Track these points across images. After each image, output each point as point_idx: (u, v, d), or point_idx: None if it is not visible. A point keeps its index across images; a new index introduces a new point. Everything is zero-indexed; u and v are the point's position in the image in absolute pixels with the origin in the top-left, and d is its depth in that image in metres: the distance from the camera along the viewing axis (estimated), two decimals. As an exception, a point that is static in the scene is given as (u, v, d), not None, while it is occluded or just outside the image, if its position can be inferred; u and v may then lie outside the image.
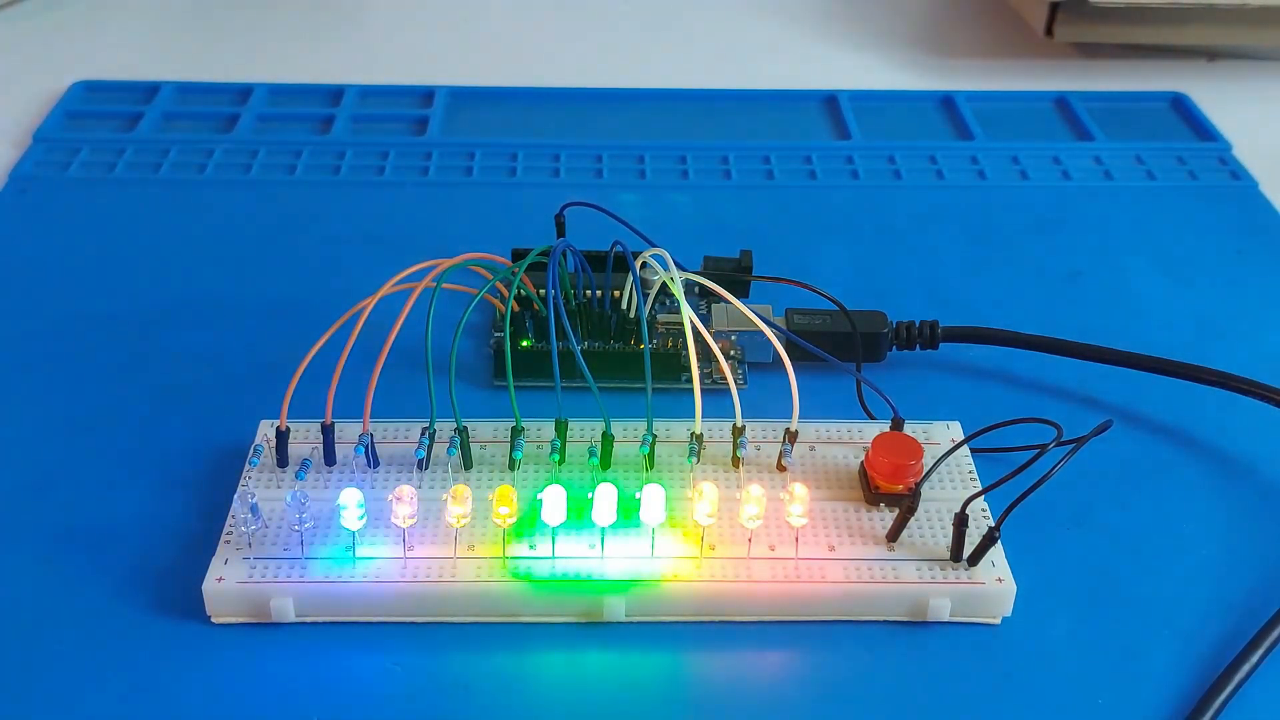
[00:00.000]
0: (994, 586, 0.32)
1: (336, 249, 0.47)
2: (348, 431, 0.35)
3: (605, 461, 0.35)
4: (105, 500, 0.35)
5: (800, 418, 0.35)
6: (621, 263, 0.38)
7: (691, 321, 0.34)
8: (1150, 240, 0.48)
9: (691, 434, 0.35)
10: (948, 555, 0.33)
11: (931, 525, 0.34)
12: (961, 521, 0.32)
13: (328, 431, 0.35)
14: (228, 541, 0.32)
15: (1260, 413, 0.38)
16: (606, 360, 0.39)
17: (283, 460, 0.35)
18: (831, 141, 0.55)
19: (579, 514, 0.33)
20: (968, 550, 0.32)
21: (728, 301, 0.36)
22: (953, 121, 0.57)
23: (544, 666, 0.31)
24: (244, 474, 0.34)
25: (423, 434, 0.35)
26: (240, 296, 0.44)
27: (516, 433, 0.35)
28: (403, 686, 0.31)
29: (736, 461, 0.35)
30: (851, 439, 0.36)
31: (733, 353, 0.40)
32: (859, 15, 0.67)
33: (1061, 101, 0.58)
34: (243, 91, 0.57)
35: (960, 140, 0.55)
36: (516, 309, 0.40)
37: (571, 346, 0.34)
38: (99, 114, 0.55)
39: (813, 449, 0.36)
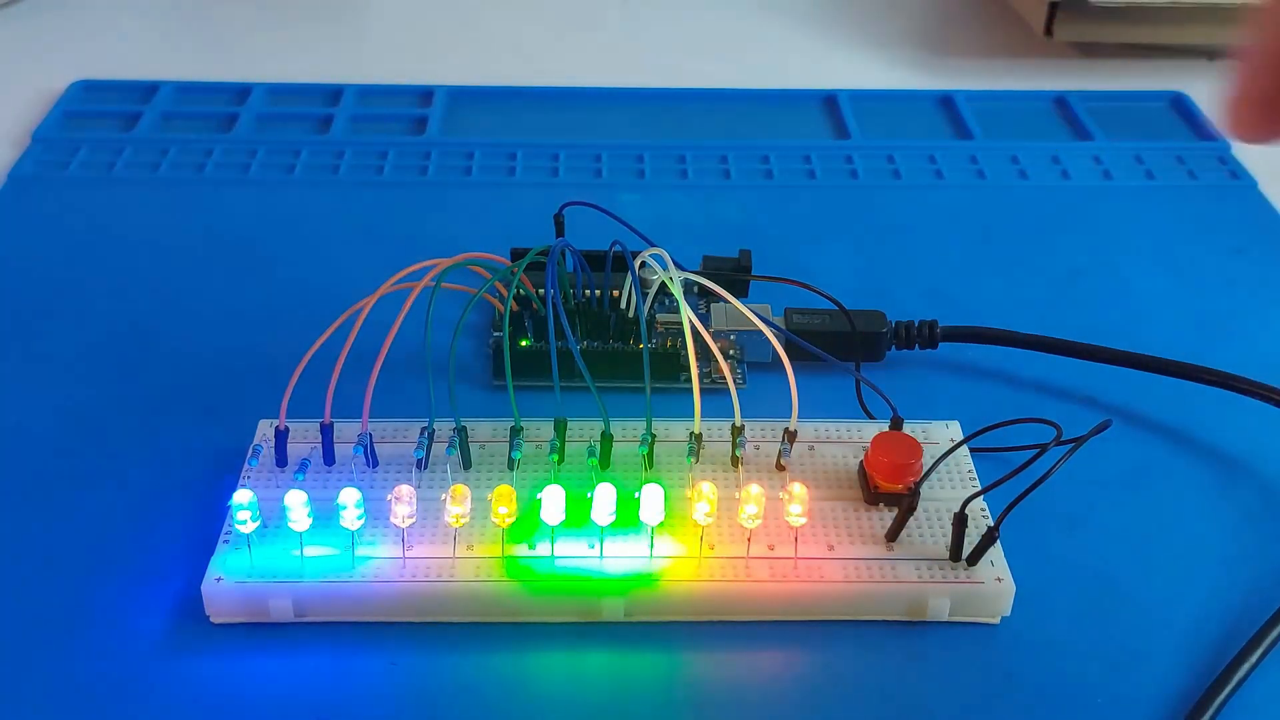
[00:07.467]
0: (993, 586, 0.32)
1: (336, 249, 0.47)
2: (347, 431, 0.35)
3: (604, 461, 0.35)
4: (104, 500, 0.35)
5: (800, 417, 0.35)
6: (620, 262, 0.38)
7: (690, 321, 0.34)
8: (1150, 240, 0.48)
9: (691, 434, 0.35)
10: (947, 555, 0.33)
11: (931, 525, 0.34)
12: (961, 521, 0.32)
13: (327, 431, 0.35)
14: (227, 541, 0.32)
15: (1260, 413, 0.38)
16: (606, 360, 0.39)
17: (282, 460, 0.35)
18: (831, 141, 0.55)
19: (578, 513, 0.33)
20: (967, 550, 0.32)
21: (727, 301, 0.36)
22: (952, 121, 0.57)
23: (544, 666, 0.31)
24: (243, 474, 0.34)
25: (422, 434, 0.35)
26: (240, 296, 0.44)
27: (515, 432, 0.35)
28: (403, 686, 0.31)
29: (736, 461, 0.35)
30: (851, 439, 0.36)
31: (732, 352, 0.40)
32: (859, 15, 0.67)
33: (1061, 101, 0.58)
34: (241, 91, 0.57)
35: (959, 140, 0.55)
36: (515, 309, 0.40)
37: (570, 346, 0.34)
38: (98, 113, 0.55)
39: (812, 448, 0.36)
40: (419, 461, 0.34)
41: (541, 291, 0.37)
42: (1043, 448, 0.32)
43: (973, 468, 0.35)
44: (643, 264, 0.38)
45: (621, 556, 0.32)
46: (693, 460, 0.35)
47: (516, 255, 0.41)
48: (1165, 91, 0.59)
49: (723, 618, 0.32)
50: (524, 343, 0.40)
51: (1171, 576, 0.34)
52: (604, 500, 0.32)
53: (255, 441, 0.35)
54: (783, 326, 0.40)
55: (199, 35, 0.64)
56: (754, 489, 0.32)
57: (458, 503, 0.32)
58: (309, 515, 0.32)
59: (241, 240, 0.47)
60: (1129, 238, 0.49)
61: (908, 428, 0.36)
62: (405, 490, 0.32)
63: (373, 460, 0.35)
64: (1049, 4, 0.59)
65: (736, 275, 0.42)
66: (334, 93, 0.57)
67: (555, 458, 0.35)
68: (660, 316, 0.41)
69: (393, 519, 0.32)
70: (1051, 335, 0.41)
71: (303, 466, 0.34)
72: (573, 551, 0.32)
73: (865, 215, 0.50)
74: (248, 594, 0.31)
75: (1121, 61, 0.62)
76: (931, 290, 0.45)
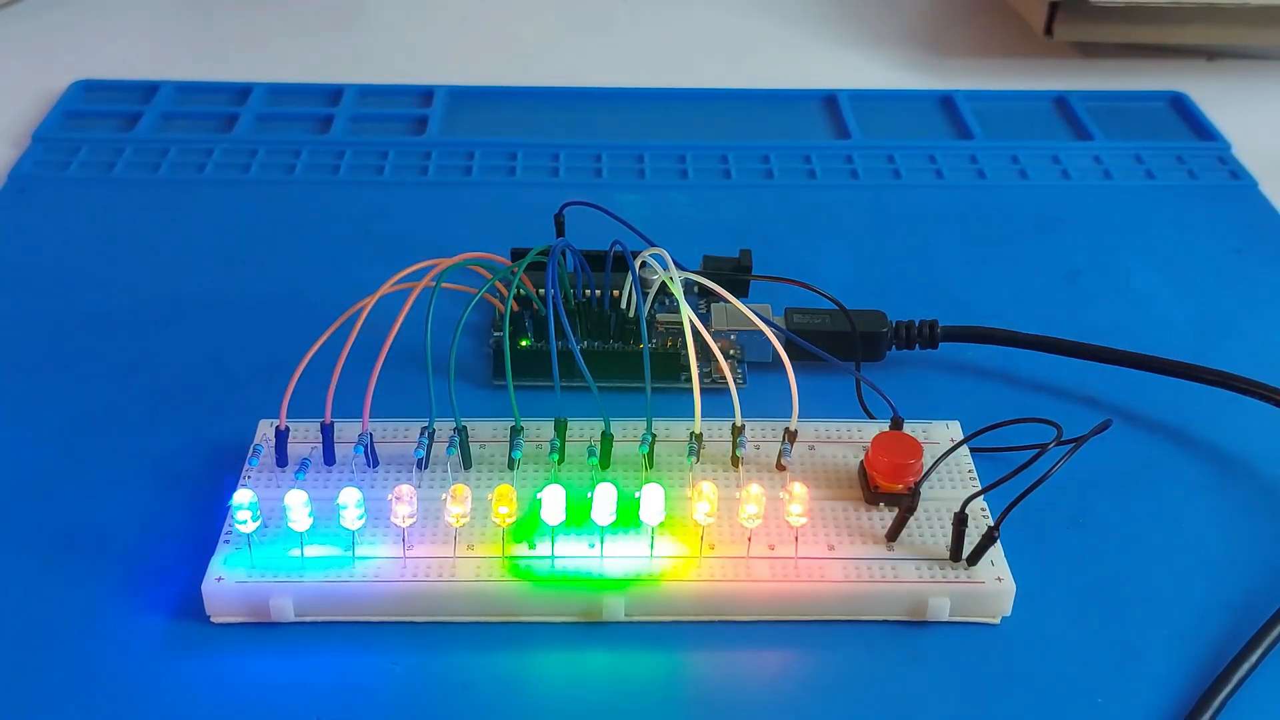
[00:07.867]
0: (993, 586, 0.32)
1: (336, 249, 0.47)
2: (347, 431, 0.35)
3: (605, 461, 0.35)
4: (104, 500, 0.35)
5: (800, 417, 0.35)
6: (621, 262, 0.38)
7: (691, 321, 0.34)
8: (1150, 240, 0.48)
9: (691, 433, 0.35)
10: (947, 555, 0.33)
11: (931, 525, 0.34)
12: (961, 521, 0.32)
13: (327, 431, 0.35)
14: (227, 541, 0.32)
15: (1260, 413, 0.38)
16: (606, 360, 0.39)
17: (282, 460, 0.35)
18: (831, 141, 0.55)
19: (579, 514, 0.33)
20: (967, 550, 0.32)
21: (727, 301, 0.36)
22: (952, 121, 0.57)
23: (544, 666, 0.31)
24: (243, 473, 0.34)
25: (422, 433, 0.35)
26: (240, 296, 0.44)
27: (516, 432, 0.35)
28: (403, 686, 0.31)
29: (736, 461, 0.35)
30: (851, 438, 0.36)
31: (732, 352, 0.40)
32: (858, 15, 0.67)
33: (1061, 101, 0.58)
34: (242, 91, 0.57)
35: (960, 139, 0.55)
36: (516, 308, 0.40)
37: (571, 346, 0.34)
38: (98, 113, 0.55)
39: (812, 448, 0.36)
40: (419, 461, 0.34)
41: (542, 291, 0.37)
42: (1043, 448, 0.32)
43: (973, 468, 0.35)
44: (643, 264, 0.38)
45: (621, 556, 0.32)
46: (693, 460, 0.35)
47: (517, 255, 0.41)
48: (1165, 91, 0.59)
49: (723, 618, 0.32)
50: (524, 343, 0.40)
51: (1171, 576, 0.34)
52: (604, 500, 0.32)
53: (255, 441, 0.35)
54: (783, 326, 0.40)
55: (199, 35, 0.64)
56: (754, 489, 0.32)
57: (458, 502, 0.32)
58: (309, 515, 0.32)
59: (241, 240, 0.47)
60: (1129, 238, 0.49)
61: (908, 428, 0.36)
62: (405, 490, 0.32)
63: (373, 460, 0.35)
64: (1049, 4, 0.59)
65: (736, 275, 0.42)
66: (334, 93, 0.57)
67: (555, 458, 0.35)
68: (660, 316, 0.41)
69: (393, 519, 0.32)
70: (1052, 335, 0.41)
71: (303, 466, 0.34)
72: (573, 551, 0.32)
73: (865, 215, 0.50)
74: (248, 594, 0.31)
75: (1121, 61, 0.62)
76: (931, 290, 0.45)
